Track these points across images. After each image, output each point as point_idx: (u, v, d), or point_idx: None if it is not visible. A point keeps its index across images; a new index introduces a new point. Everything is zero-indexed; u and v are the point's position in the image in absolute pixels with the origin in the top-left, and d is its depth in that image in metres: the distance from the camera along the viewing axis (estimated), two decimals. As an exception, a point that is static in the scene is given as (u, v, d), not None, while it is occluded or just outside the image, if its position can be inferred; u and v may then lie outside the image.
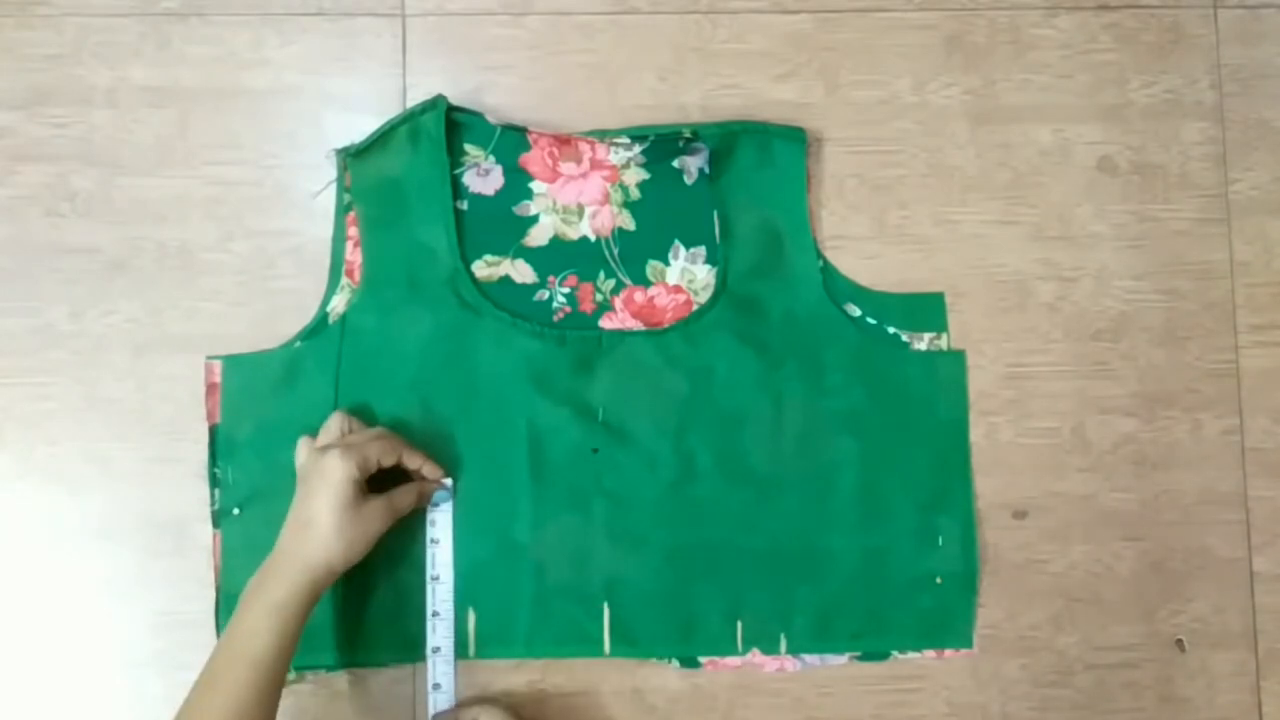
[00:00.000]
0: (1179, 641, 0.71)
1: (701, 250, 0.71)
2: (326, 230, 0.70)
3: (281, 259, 0.70)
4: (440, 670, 0.67)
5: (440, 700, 0.66)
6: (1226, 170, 0.74)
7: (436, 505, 0.67)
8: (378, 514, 0.62)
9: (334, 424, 0.64)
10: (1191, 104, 0.75)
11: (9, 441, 0.69)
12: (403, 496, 0.65)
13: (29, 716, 0.67)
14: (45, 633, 0.68)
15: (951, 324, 0.72)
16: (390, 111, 0.70)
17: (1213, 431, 0.73)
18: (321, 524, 0.60)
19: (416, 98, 0.71)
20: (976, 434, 0.71)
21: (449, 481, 0.67)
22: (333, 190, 0.70)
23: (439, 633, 0.67)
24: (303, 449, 0.64)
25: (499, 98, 0.72)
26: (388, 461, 0.63)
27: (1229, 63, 0.75)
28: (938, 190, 0.73)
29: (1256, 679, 0.71)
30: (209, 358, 0.68)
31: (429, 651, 0.67)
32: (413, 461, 0.65)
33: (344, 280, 0.69)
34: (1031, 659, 0.71)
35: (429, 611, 0.67)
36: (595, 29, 0.73)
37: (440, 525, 0.68)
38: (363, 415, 0.68)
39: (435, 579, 0.67)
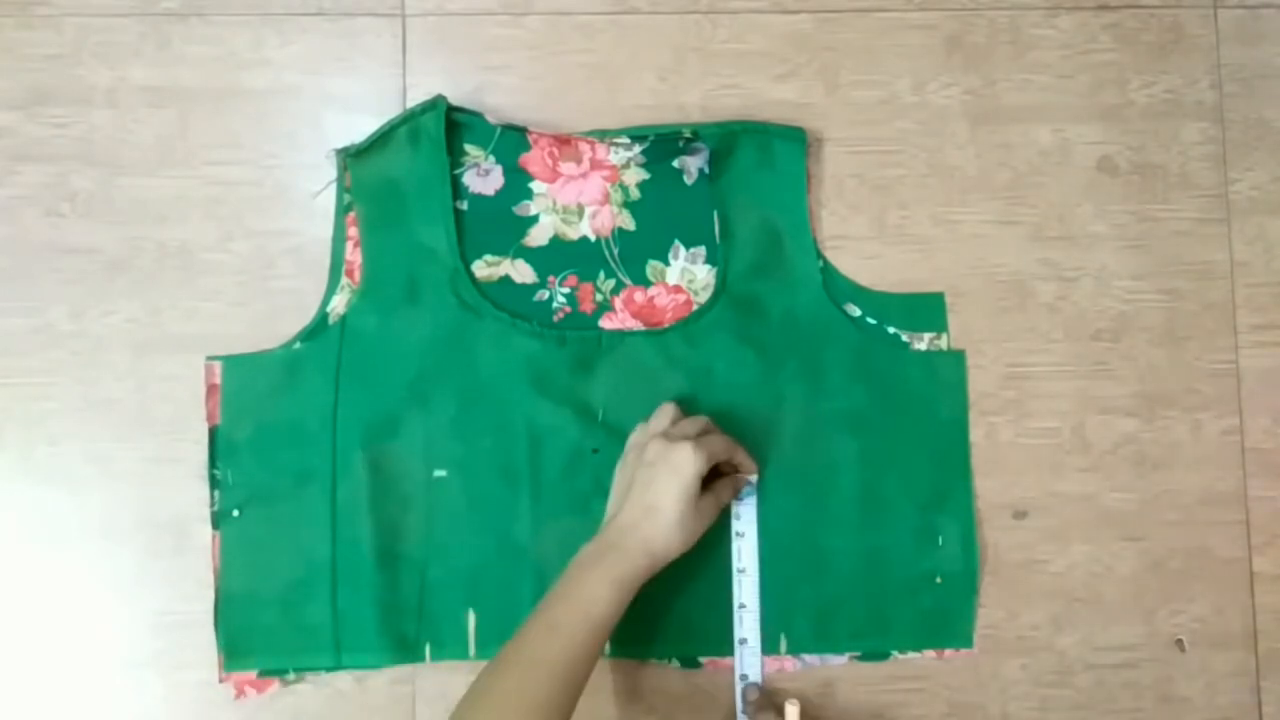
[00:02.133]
0: (1179, 641, 0.71)
1: (701, 250, 0.71)
2: (326, 230, 0.70)
3: (281, 259, 0.70)
4: (748, 662, 0.68)
5: (749, 692, 0.68)
6: (1226, 170, 0.74)
7: (741, 500, 0.68)
8: (710, 509, 0.64)
9: (668, 410, 0.66)
10: (1191, 104, 0.75)
11: (9, 441, 0.69)
12: (724, 491, 0.66)
13: (29, 716, 0.67)
14: (45, 633, 0.68)
15: (951, 324, 0.72)
16: (390, 111, 0.70)
17: (1213, 431, 0.73)
18: (667, 512, 0.61)
19: (416, 98, 0.71)
20: (976, 434, 0.71)
21: (755, 478, 0.68)
22: (333, 190, 0.70)
23: (746, 625, 0.68)
24: (641, 431, 0.66)
25: (499, 98, 0.72)
26: (723, 458, 0.65)
27: (1229, 63, 0.75)
28: (938, 190, 0.73)
29: (1256, 679, 0.71)
30: (209, 358, 0.68)
31: (736, 643, 0.68)
32: (735, 456, 0.66)
33: (344, 280, 0.69)
34: (1031, 659, 0.71)
35: (736, 604, 0.68)
36: (595, 29, 0.73)
37: (745, 519, 0.68)
38: (363, 417, 0.68)
39: (741, 571, 0.68)
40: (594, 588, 0.59)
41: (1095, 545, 0.71)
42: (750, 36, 0.74)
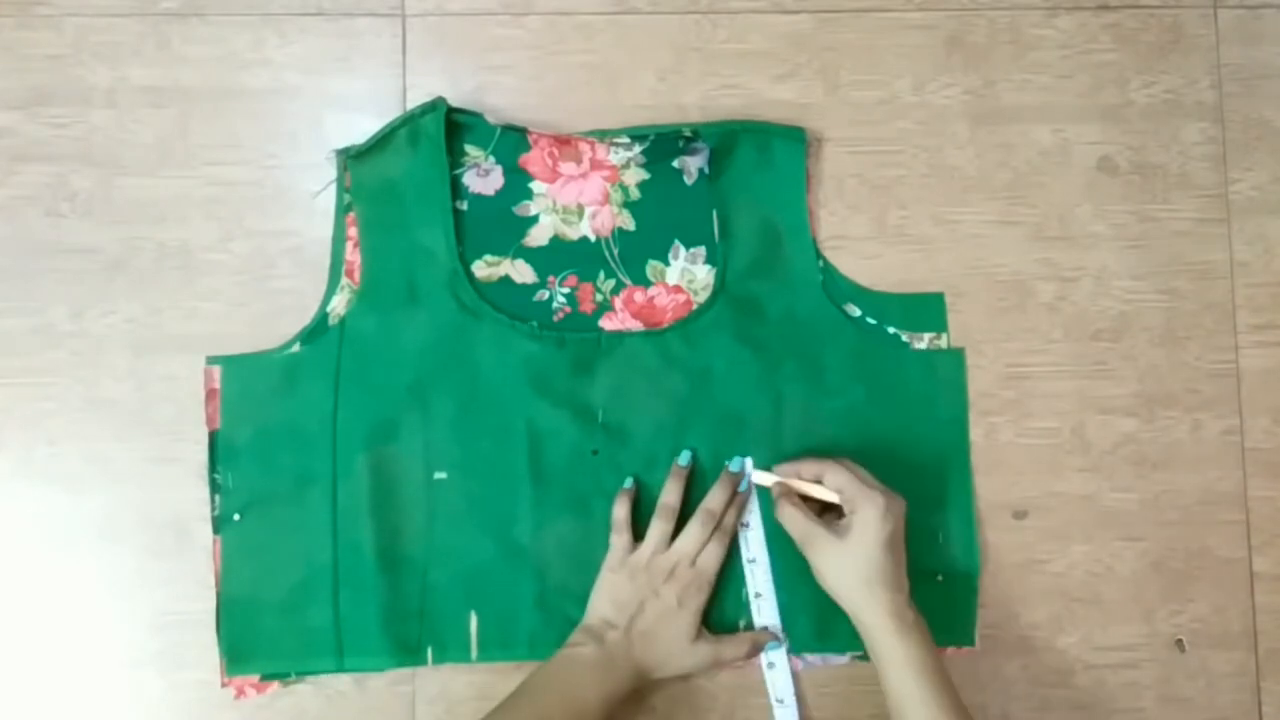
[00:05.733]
0: (1179, 641, 0.71)
1: (701, 250, 0.71)
2: (326, 230, 0.70)
3: (281, 259, 0.70)
4: (774, 651, 0.68)
5: (765, 607, 0.69)
6: (1226, 170, 0.74)
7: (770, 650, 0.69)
8: (705, 656, 0.66)
9: (660, 527, 0.66)
10: (1191, 104, 0.75)
11: (9, 441, 0.69)
12: (729, 648, 0.67)
13: (29, 716, 0.67)
14: (45, 633, 0.68)
15: (951, 324, 0.72)
16: (390, 112, 0.70)
17: (1213, 431, 0.73)
18: (667, 645, 0.65)
19: (416, 98, 0.71)
20: (976, 434, 0.71)
21: (778, 642, 0.68)
22: (333, 190, 0.70)
23: (764, 613, 0.68)
24: (626, 549, 0.66)
25: (499, 98, 0.72)
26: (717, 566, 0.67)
27: (1229, 63, 0.75)
28: (938, 190, 0.73)
29: (1256, 679, 0.71)
30: (209, 360, 0.68)
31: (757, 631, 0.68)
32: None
33: (344, 281, 0.69)
34: (1031, 659, 0.71)
35: (751, 593, 0.68)
36: (595, 29, 0.73)
37: (749, 508, 0.69)
38: (363, 419, 0.68)
39: (752, 561, 0.69)
40: (588, 698, 0.61)
41: (1095, 545, 0.71)
42: (750, 36, 0.73)
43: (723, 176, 0.71)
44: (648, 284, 0.71)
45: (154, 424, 0.69)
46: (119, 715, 0.68)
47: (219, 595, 0.67)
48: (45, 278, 0.70)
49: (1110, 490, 0.72)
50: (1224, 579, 0.72)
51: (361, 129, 0.70)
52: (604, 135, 0.71)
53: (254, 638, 0.66)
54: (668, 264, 0.71)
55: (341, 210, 0.70)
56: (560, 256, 0.71)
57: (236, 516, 0.67)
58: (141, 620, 0.68)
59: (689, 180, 0.72)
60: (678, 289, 0.71)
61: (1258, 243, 0.74)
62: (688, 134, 0.70)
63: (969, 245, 0.73)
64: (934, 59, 0.74)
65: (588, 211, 0.71)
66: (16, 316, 0.69)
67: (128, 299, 0.70)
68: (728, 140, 0.71)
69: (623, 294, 0.71)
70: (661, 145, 0.71)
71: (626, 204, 0.71)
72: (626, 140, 0.70)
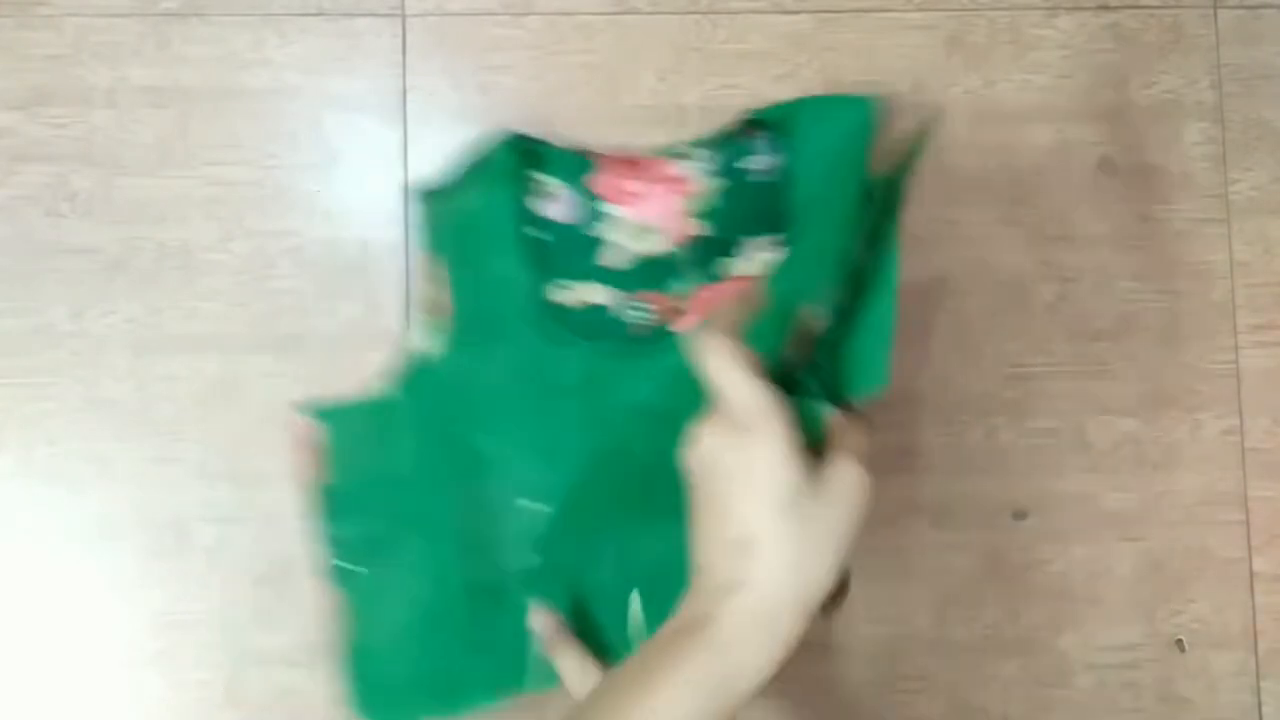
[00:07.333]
0: (1179, 641, 0.71)
1: (774, 239, 0.69)
2: (327, 230, 0.70)
3: (281, 259, 0.70)
4: None
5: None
6: (1226, 170, 0.74)
7: None
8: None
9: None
10: (1191, 104, 0.75)
11: (9, 441, 0.69)
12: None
13: (29, 716, 0.67)
14: (45, 633, 0.68)
15: (952, 324, 0.72)
16: (390, 112, 0.71)
17: (1213, 431, 0.73)
18: (769, 535, 0.45)
19: (417, 98, 0.71)
20: (977, 434, 0.71)
21: None
22: (333, 190, 0.70)
23: None
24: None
25: (499, 98, 0.72)
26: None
27: (1229, 63, 0.75)
28: (938, 190, 0.73)
29: (1256, 679, 0.71)
30: (300, 410, 0.66)
31: None
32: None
33: (427, 318, 0.68)
34: (1031, 659, 0.71)
35: None
36: (595, 29, 0.73)
37: None
38: (460, 457, 0.66)
39: None
40: (673, 712, 0.39)
41: (1095, 545, 0.71)
42: (750, 36, 0.73)
43: (791, 164, 0.69)
44: (718, 279, 0.69)
45: (154, 424, 0.69)
46: (119, 715, 0.68)
47: (337, 650, 0.65)
48: (45, 278, 0.70)
49: (1110, 490, 0.72)
50: (1224, 579, 0.72)
51: (362, 129, 0.70)
52: (668, 151, 0.69)
53: (374, 690, 0.65)
54: (741, 258, 0.69)
55: (421, 246, 0.68)
56: (637, 274, 0.69)
57: (348, 567, 0.66)
58: (141, 620, 0.68)
59: (758, 178, 0.69)
60: (747, 279, 0.68)
61: (1258, 243, 0.74)
62: (750, 126, 0.68)
63: (969, 245, 0.73)
64: (934, 59, 0.74)
65: (660, 227, 0.69)
66: (16, 316, 0.69)
67: (128, 299, 0.70)
68: (790, 124, 0.69)
69: (698, 294, 0.68)
70: (727, 149, 0.69)
71: (698, 214, 0.69)
72: (692, 151, 0.69)
